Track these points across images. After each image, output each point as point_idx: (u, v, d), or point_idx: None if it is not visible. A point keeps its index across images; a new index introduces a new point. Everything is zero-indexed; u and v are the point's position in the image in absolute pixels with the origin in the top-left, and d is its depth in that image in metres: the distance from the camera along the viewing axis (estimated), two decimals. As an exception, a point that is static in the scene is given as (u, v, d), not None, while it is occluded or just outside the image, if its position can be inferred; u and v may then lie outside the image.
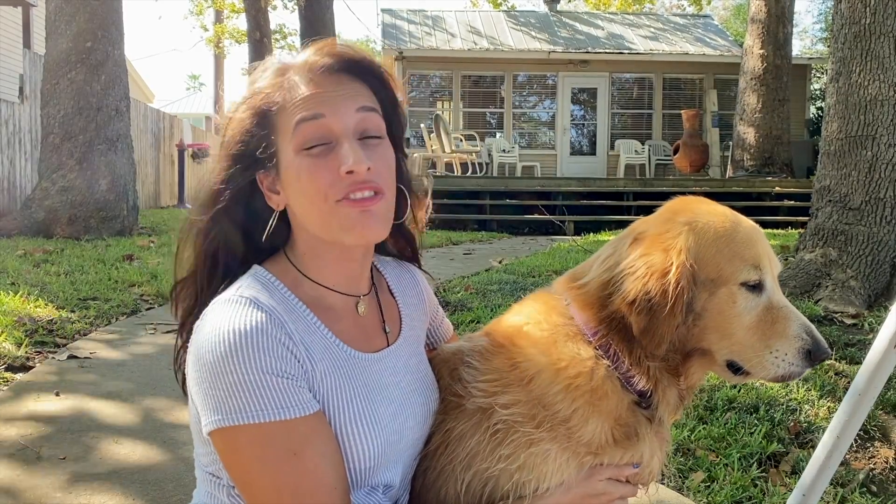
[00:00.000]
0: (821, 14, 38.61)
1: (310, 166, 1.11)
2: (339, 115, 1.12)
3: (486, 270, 6.73)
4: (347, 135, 1.12)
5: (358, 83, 1.16)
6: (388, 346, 1.25)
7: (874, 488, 2.69)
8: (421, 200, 1.32)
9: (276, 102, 1.13)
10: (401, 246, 1.37)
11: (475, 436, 1.19)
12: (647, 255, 1.19)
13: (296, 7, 16.68)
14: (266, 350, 1.04)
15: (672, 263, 1.16)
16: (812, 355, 1.17)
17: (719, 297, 1.18)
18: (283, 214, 1.19)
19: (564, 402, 1.17)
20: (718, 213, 1.24)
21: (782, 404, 3.10)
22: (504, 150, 16.52)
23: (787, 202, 12.54)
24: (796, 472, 2.66)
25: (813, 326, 1.19)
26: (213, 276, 1.19)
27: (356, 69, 1.16)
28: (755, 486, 2.57)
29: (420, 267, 1.42)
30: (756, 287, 1.19)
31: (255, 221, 1.19)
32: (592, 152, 18.33)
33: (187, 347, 1.14)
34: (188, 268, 1.22)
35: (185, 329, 1.20)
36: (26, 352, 3.90)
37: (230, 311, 1.07)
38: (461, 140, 15.97)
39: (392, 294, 1.34)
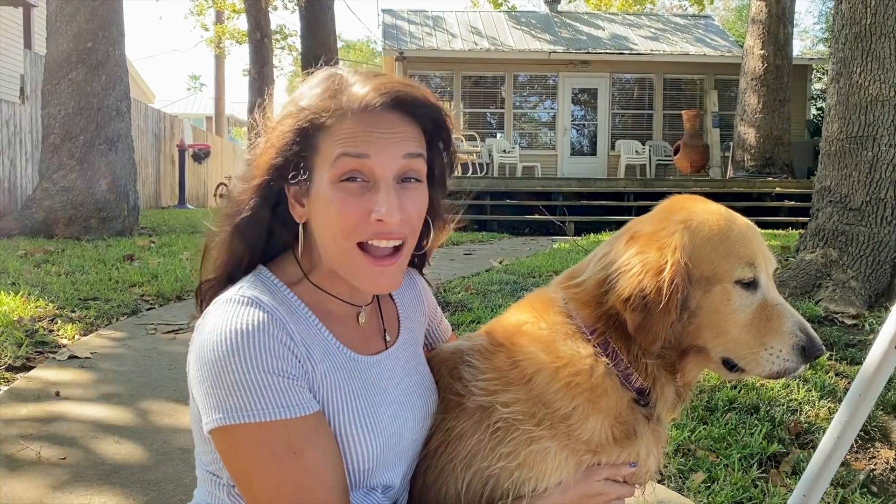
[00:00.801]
0: (821, 14, 38.65)
1: (341, 201, 1.10)
2: (383, 158, 1.10)
3: (487, 271, 6.73)
4: (387, 180, 1.10)
5: (410, 125, 1.14)
6: (387, 348, 1.25)
7: (874, 489, 2.69)
8: (446, 226, 1.32)
9: (325, 126, 1.11)
10: (414, 262, 1.38)
11: (475, 434, 1.19)
12: (642, 252, 1.20)
13: (296, 7, 16.69)
14: (267, 349, 1.04)
15: (667, 261, 1.17)
16: (806, 352, 1.17)
17: (714, 295, 1.19)
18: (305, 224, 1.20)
19: (564, 399, 1.17)
20: (713, 212, 1.24)
21: (783, 405, 3.10)
22: (504, 151, 16.53)
23: (787, 203, 12.54)
24: (797, 472, 2.66)
25: (807, 323, 1.20)
26: (234, 274, 1.19)
27: (412, 109, 1.14)
28: (755, 486, 2.57)
29: (422, 274, 1.43)
30: (750, 285, 1.20)
31: (276, 224, 1.19)
32: (593, 153, 18.33)
33: None
34: (214, 268, 1.22)
35: None
36: (27, 352, 3.90)
37: (232, 311, 1.07)
38: (462, 141, 15.85)
39: (391, 296, 1.34)
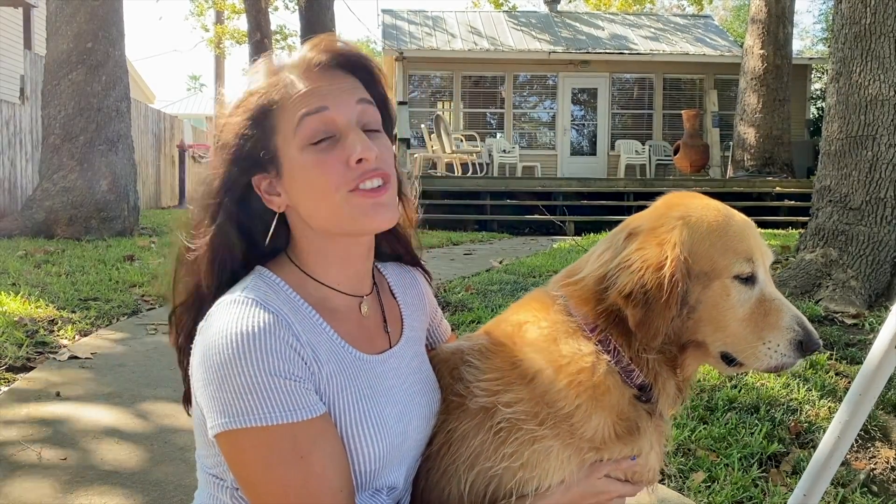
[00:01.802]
0: (821, 14, 38.62)
1: (318, 161, 1.10)
2: (341, 107, 1.12)
3: (487, 271, 6.73)
4: (352, 126, 1.12)
5: (351, 78, 1.16)
6: (391, 347, 1.25)
7: (875, 488, 2.69)
8: (409, 199, 1.32)
9: (275, 101, 1.12)
10: (397, 249, 1.36)
11: (478, 435, 1.19)
12: (641, 249, 1.20)
13: (296, 8, 16.69)
14: (273, 352, 1.03)
15: (667, 257, 1.17)
16: (804, 346, 1.18)
17: (713, 290, 1.19)
18: (282, 216, 1.18)
19: (567, 398, 1.17)
20: (711, 208, 1.25)
21: (783, 404, 3.10)
22: (504, 151, 16.52)
23: (787, 202, 12.54)
24: (797, 472, 2.66)
25: (805, 318, 1.20)
26: (219, 289, 1.15)
27: (349, 64, 1.16)
28: (756, 486, 2.57)
29: (423, 269, 1.41)
30: (749, 280, 1.20)
31: (254, 225, 1.18)
32: (593, 152, 18.33)
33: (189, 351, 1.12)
34: (186, 290, 1.18)
35: (185, 352, 1.17)
36: (27, 352, 3.90)
37: (237, 313, 1.06)
38: (462, 140, 15.97)
39: (393, 295, 1.34)
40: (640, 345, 1.20)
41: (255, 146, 1.12)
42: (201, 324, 1.11)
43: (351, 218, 1.12)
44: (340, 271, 1.19)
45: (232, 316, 1.06)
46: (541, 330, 1.24)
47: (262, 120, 1.12)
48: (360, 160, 1.10)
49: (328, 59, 1.14)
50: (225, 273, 1.17)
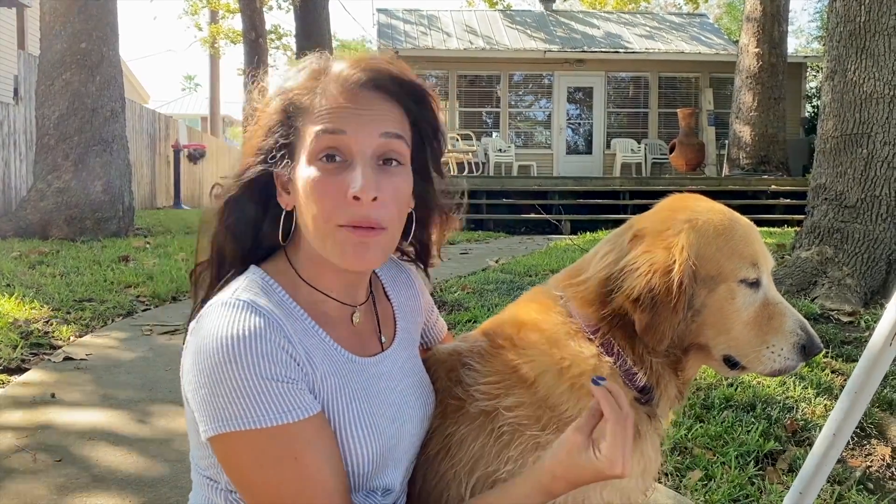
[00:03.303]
0: (816, 12, 38.70)
1: (318, 181, 1.08)
2: (360, 135, 1.08)
3: (483, 270, 6.72)
4: (364, 157, 1.08)
5: (390, 104, 1.12)
6: (384, 350, 1.24)
7: (871, 486, 2.69)
8: (448, 219, 1.29)
9: (304, 106, 1.12)
10: (409, 251, 1.34)
11: (479, 439, 1.18)
12: (648, 252, 1.20)
13: (291, 7, 16.66)
14: (266, 355, 1.02)
15: (675, 261, 1.17)
16: (806, 350, 1.19)
17: (718, 294, 1.19)
18: (291, 213, 1.18)
19: (570, 402, 1.17)
20: (717, 211, 1.25)
21: (779, 402, 3.10)
22: (500, 150, 16.52)
23: (782, 200, 12.58)
24: (793, 470, 2.66)
25: (807, 322, 1.21)
26: (221, 266, 1.19)
27: (392, 88, 1.12)
28: (752, 484, 2.57)
29: (426, 272, 1.38)
30: (754, 284, 1.20)
31: (265, 215, 1.18)
32: (589, 151, 18.34)
33: None
34: (208, 249, 1.21)
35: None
36: (22, 354, 3.89)
37: (228, 315, 1.05)
38: (457, 140, 15.97)
39: (387, 296, 1.32)
40: (646, 348, 1.20)
41: (279, 141, 1.13)
42: (192, 324, 1.10)
43: (333, 251, 1.10)
44: (334, 279, 1.18)
45: (223, 319, 1.05)
46: (541, 332, 1.23)
47: (290, 120, 1.13)
48: (355, 197, 1.06)
49: (368, 79, 1.10)
50: (226, 258, 1.18)
